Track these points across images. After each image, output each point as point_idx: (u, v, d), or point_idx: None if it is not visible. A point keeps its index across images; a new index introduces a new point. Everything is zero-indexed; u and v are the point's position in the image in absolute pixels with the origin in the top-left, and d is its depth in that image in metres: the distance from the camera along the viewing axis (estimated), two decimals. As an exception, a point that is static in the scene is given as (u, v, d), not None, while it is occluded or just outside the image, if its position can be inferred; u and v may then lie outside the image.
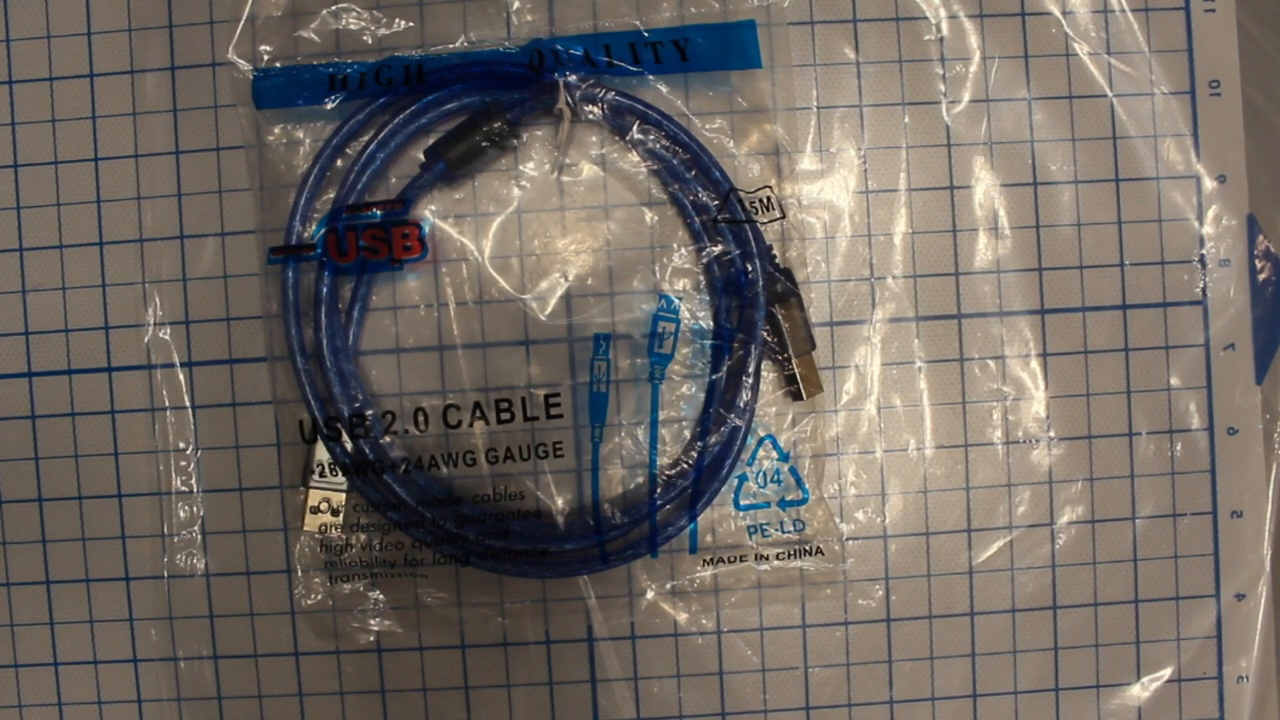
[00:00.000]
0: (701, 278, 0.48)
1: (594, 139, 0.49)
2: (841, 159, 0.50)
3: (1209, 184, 0.50)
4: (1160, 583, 0.50)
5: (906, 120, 0.50)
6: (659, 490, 0.48)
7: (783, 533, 0.48)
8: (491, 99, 0.47)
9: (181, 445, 0.49)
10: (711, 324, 0.48)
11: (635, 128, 0.47)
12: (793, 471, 0.49)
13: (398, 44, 0.48)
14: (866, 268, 0.50)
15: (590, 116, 0.47)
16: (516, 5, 0.49)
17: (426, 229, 0.48)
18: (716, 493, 0.48)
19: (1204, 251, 0.50)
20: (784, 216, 0.48)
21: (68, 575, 0.50)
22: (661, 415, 0.48)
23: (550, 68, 0.47)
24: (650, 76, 0.48)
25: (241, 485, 0.49)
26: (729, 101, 0.49)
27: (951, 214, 0.50)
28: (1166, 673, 0.51)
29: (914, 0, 0.50)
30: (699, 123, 0.48)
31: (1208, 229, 0.50)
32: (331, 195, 0.47)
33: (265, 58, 0.48)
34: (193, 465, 0.49)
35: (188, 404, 0.49)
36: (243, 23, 0.48)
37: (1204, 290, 0.50)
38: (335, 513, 0.48)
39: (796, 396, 0.48)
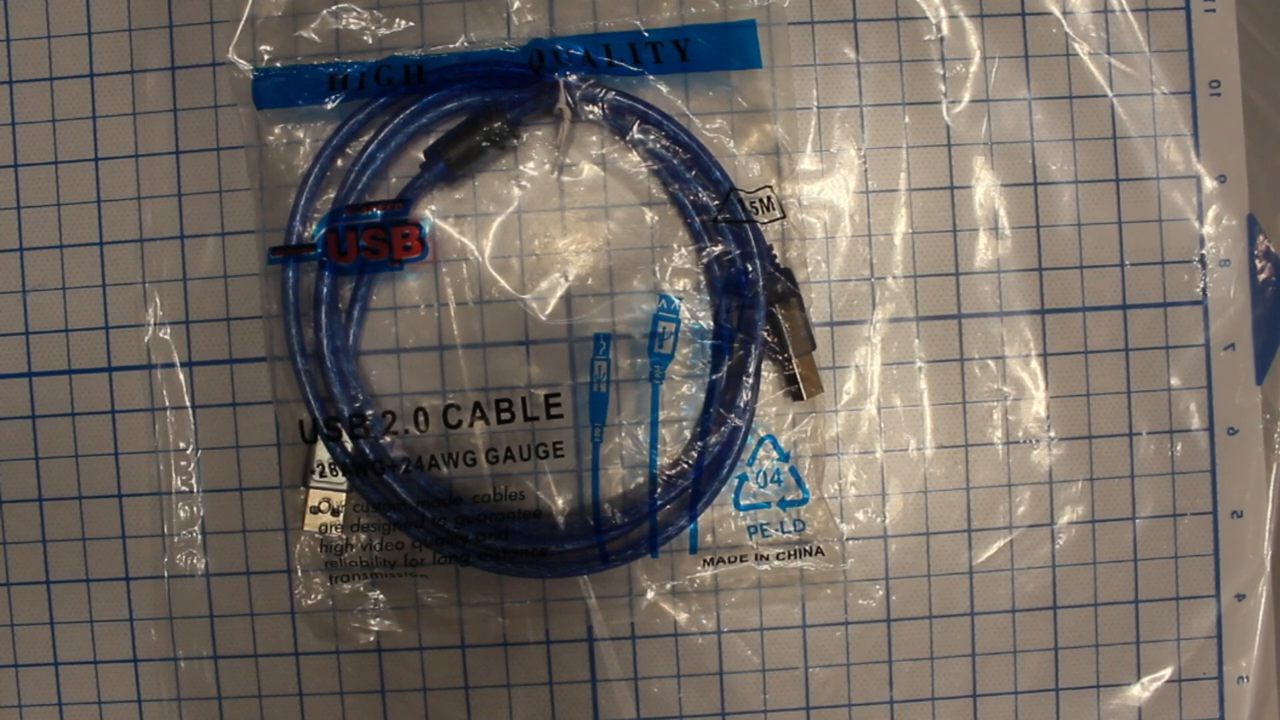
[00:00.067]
0: (701, 278, 0.49)
1: (594, 139, 0.49)
2: (841, 159, 0.50)
3: (1209, 184, 0.50)
4: (1160, 583, 0.50)
5: (906, 120, 0.50)
6: (659, 490, 0.48)
7: (783, 533, 0.48)
8: (491, 99, 0.47)
9: (181, 445, 0.49)
10: (711, 324, 0.48)
11: (635, 128, 0.47)
12: (793, 471, 0.49)
13: (398, 44, 0.48)
14: (866, 268, 0.50)
15: (590, 116, 0.47)
16: (516, 5, 0.49)
17: (426, 229, 0.48)
18: (716, 493, 0.48)
19: (1204, 251, 0.50)
20: (784, 216, 0.48)
21: (68, 575, 0.50)
22: (661, 415, 0.48)
23: (550, 68, 0.47)
24: (650, 76, 0.48)
25: (241, 485, 0.49)
26: (729, 101, 0.49)
27: (951, 214, 0.50)
28: (1166, 673, 0.51)
29: (914, 0, 0.50)
30: (699, 123, 0.48)
31: (1208, 229, 0.50)
32: (331, 195, 0.47)
33: (265, 58, 0.48)
34: (193, 465, 0.49)
35: (188, 404, 0.49)
36: (243, 23, 0.48)
37: (1204, 290, 0.50)
38: (335, 513, 0.48)
39: (796, 396, 0.48)
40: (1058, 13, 0.50)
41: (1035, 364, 0.50)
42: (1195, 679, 0.51)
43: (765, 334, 0.47)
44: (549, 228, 0.49)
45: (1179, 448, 0.50)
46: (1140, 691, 0.51)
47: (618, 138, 0.48)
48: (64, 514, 0.50)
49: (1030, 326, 0.50)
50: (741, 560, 0.49)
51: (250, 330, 0.49)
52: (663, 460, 0.48)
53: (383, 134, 0.47)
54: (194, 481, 0.49)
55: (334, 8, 0.48)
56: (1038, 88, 0.50)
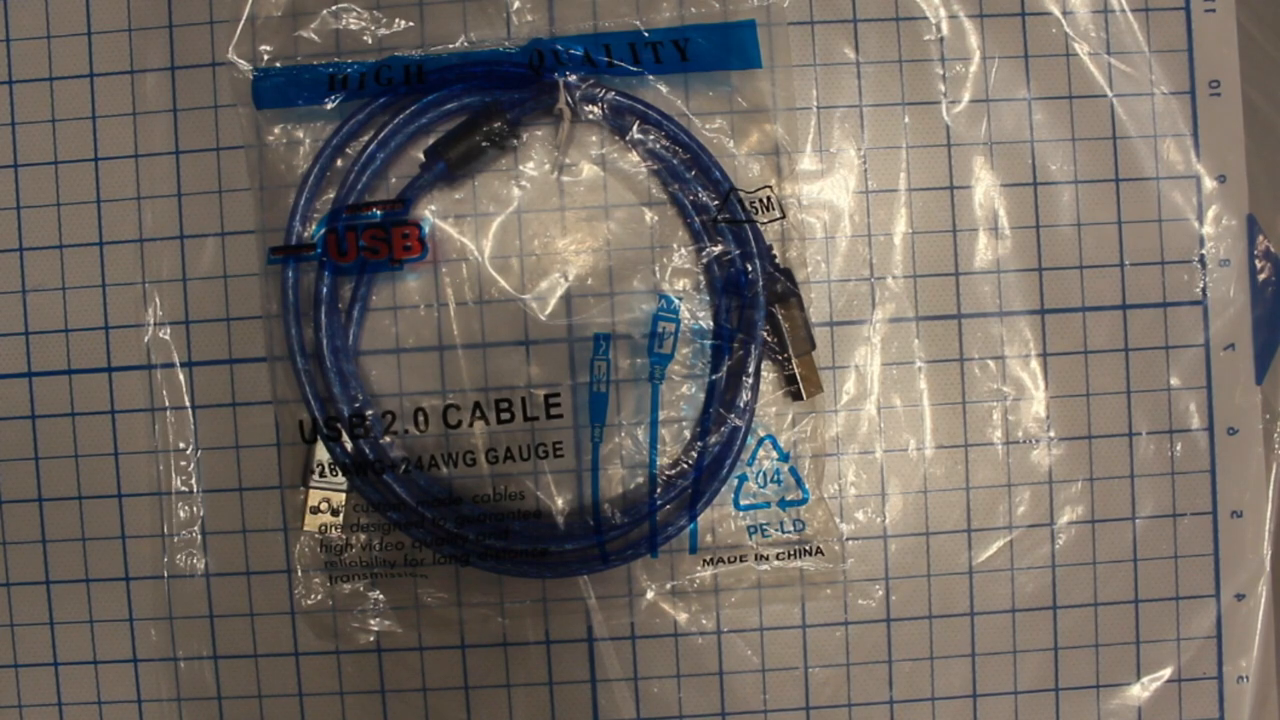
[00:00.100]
0: (701, 278, 0.48)
1: (594, 139, 0.49)
2: (841, 159, 0.50)
3: (1209, 184, 0.50)
4: (1160, 583, 0.50)
5: (906, 120, 0.50)
6: (659, 490, 0.48)
7: (783, 533, 0.48)
8: (491, 99, 0.47)
9: (181, 445, 0.49)
10: (711, 324, 0.48)
11: (635, 128, 0.47)
12: (793, 471, 0.49)
13: (398, 44, 0.48)
14: (866, 268, 0.50)
15: (590, 116, 0.47)
16: (516, 5, 0.49)
17: (426, 229, 0.48)
18: (716, 493, 0.48)
19: (1204, 251, 0.50)
20: (784, 216, 0.48)
21: (68, 575, 0.50)
22: (661, 415, 0.48)
23: (550, 68, 0.47)
24: (650, 76, 0.48)
25: (241, 485, 0.49)
26: (729, 101, 0.49)
27: (951, 214, 0.50)
28: (1166, 673, 0.51)
29: (914, 0, 0.50)
30: (699, 123, 0.48)
31: (1208, 229, 0.50)
32: (331, 195, 0.47)
33: (265, 58, 0.48)
34: (193, 465, 0.49)
35: (188, 404, 0.49)
36: (243, 23, 0.48)
37: (1204, 290, 0.50)
38: (335, 513, 0.48)
39: (796, 396, 0.48)
40: (1058, 13, 0.50)
41: (1035, 364, 0.50)
42: (1195, 679, 0.51)
43: (765, 334, 0.47)
44: (549, 228, 0.49)
45: (1179, 448, 0.50)
46: (1140, 691, 0.51)
47: (618, 138, 0.48)
48: (64, 514, 0.50)
49: (1030, 326, 0.50)
50: (741, 560, 0.49)
51: (250, 330, 0.49)
52: (662, 460, 0.48)
53: (383, 134, 0.47)
54: (194, 481, 0.49)
55: (334, 8, 0.48)
56: (1038, 88, 0.50)
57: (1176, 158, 0.50)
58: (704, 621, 0.50)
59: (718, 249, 0.47)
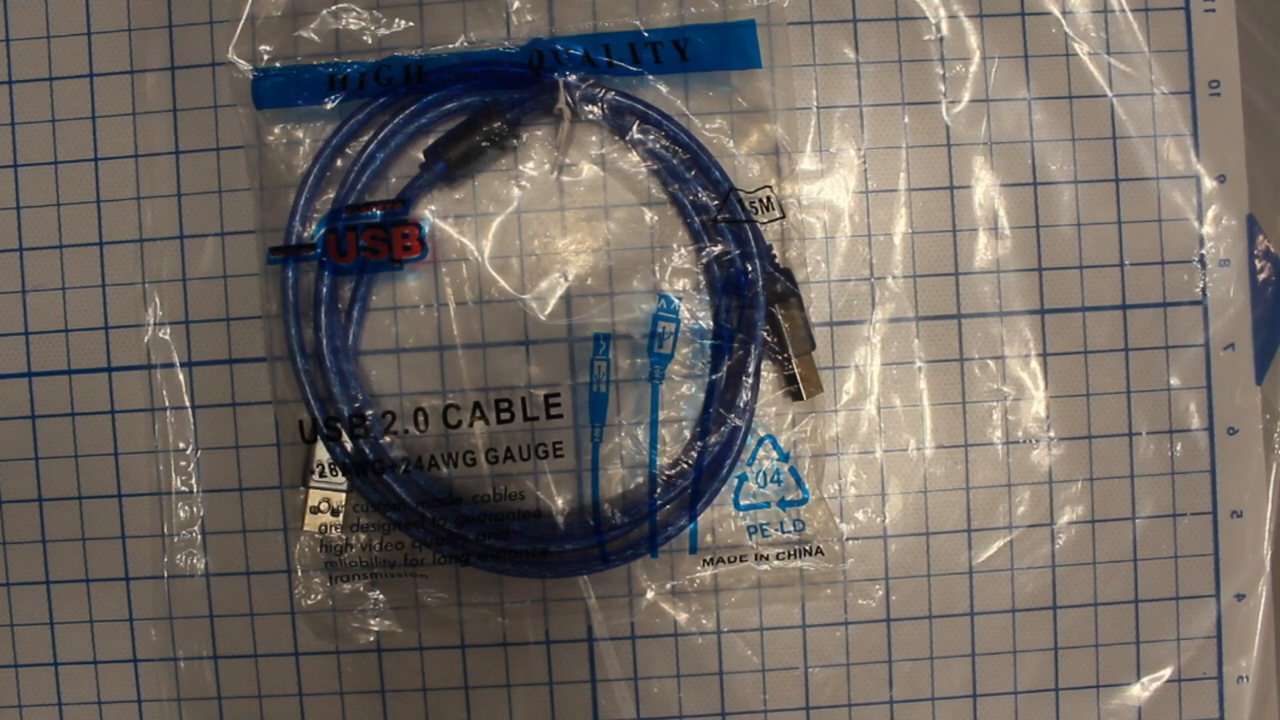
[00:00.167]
0: (701, 278, 0.48)
1: (594, 139, 0.49)
2: (841, 159, 0.50)
3: (1209, 184, 0.50)
4: (1160, 583, 0.50)
5: (906, 120, 0.50)
6: (659, 490, 0.48)
7: (783, 533, 0.48)
8: (491, 99, 0.47)
9: (181, 445, 0.49)
10: (711, 324, 0.48)
11: (635, 128, 0.47)
12: (793, 471, 0.49)
13: (398, 44, 0.48)
14: (866, 268, 0.50)
15: (590, 116, 0.47)
16: (516, 5, 0.49)
17: (426, 229, 0.48)
18: (716, 493, 0.48)
19: (1204, 251, 0.50)
20: (784, 216, 0.48)
21: (68, 575, 0.50)
22: (661, 415, 0.48)
23: (550, 68, 0.47)
24: (650, 76, 0.48)
25: (241, 485, 0.49)
26: (729, 101, 0.49)
27: (951, 214, 0.50)
28: (1166, 673, 0.51)
29: (914, 0, 0.50)
30: (699, 123, 0.48)
31: (1208, 229, 0.50)
32: (331, 195, 0.47)
33: (265, 58, 0.48)
34: (193, 465, 0.49)
35: (188, 404, 0.49)
36: (243, 23, 0.48)
37: (1204, 290, 0.50)
38: (335, 513, 0.48)
39: (796, 396, 0.48)
40: (1057, 13, 0.50)
41: (1035, 364, 0.50)
42: (1195, 679, 0.51)
43: (765, 334, 0.47)
44: (549, 228, 0.49)
45: (1179, 448, 0.50)
46: (1140, 691, 0.51)
47: (617, 138, 0.48)
48: (64, 514, 0.50)
49: (1030, 326, 0.50)
50: (741, 560, 0.49)
51: (250, 330, 0.49)
52: (662, 460, 0.48)
53: (383, 134, 0.47)
54: (194, 481, 0.49)
55: (334, 8, 0.48)
56: (1037, 88, 0.50)
57: (1176, 158, 0.50)
58: (704, 621, 0.50)
59: (718, 249, 0.47)
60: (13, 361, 0.50)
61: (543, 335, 0.49)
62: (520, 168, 0.49)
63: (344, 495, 0.48)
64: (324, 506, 0.47)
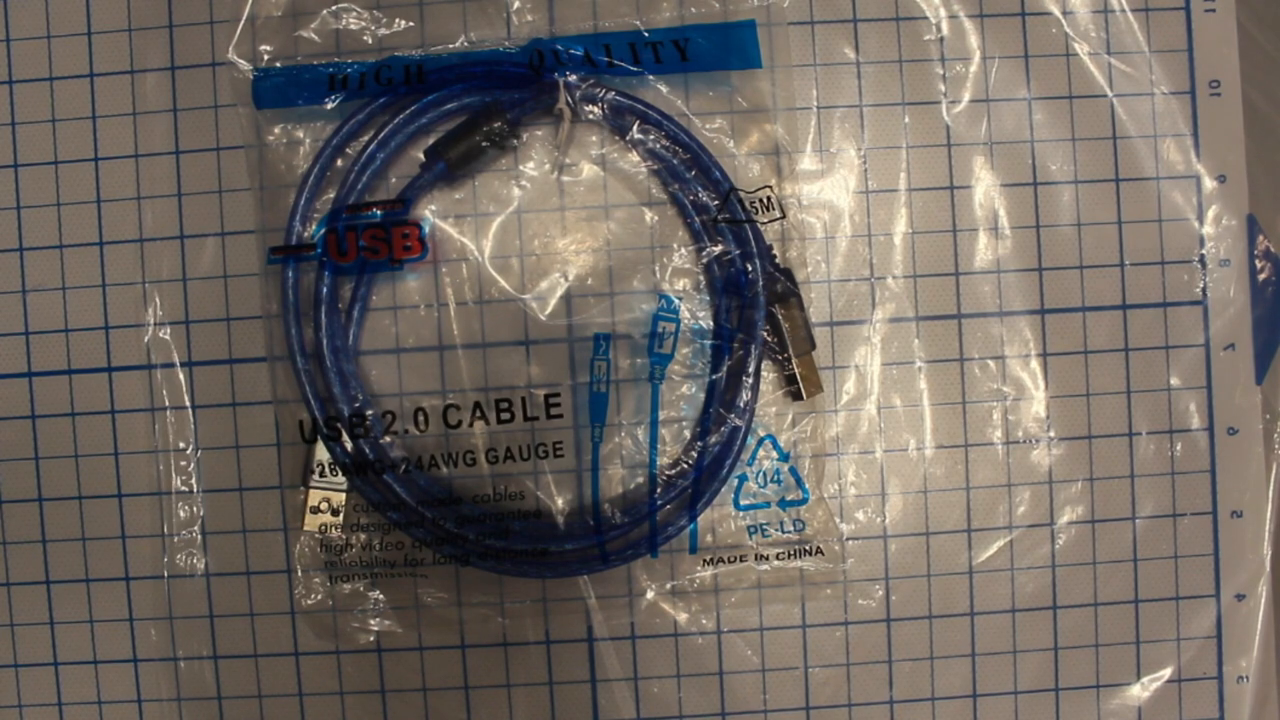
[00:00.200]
0: (701, 278, 0.49)
1: (594, 139, 0.49)
2: (841, 159, 0.50)
3: (1209, 184, 0.50)
4: (1160, 583, 0.50)
5: (906, 120, 0.50)
6: (659, 490, 0.48)
7: (783, 533, 0.48)
8: (491, 99, 0.47)
9: (181, 445, 0.49)
10: (711, 324, 0.48)
11: (635, 128, 0.47)
12: (793, 471, 0.49)
13: (398, 44, 0.48)
14: (866, 268, 0.50)
15: (590, 116, 0.47)
16: (516, 5, 0.49)
17: (426, 229, 0.48)
18: (716, 493, 0.48)
19: (1204, 251, 0.50)
20: (784, 216, 0.48)
21: (68, 575, 0.50)
22: (661, 415, 0.48)
23: (550, 68, 0.47)
24: (650, 76, 0.48)
25: (241, 485, 0.49)
26: (729, 101, 0.49)
27: (951, 214, 0.50)
28: (1166, 673, 0.51)
29: (914, 0, 0.50)
30: (699, 123, 0.48)
31: (1208, 229, 0.50)
32: (331, 195, 0.47)
33: (265, 58, 0.48)
34: (193, 465, 0.49)
35: (188, 404, 0.49)
36: (243, 23, 0.48)
37: (1204, 290, 0.50)
38: (335, 513, 0.48)
39: (796, 396, 0.48)
40: (1058, 13, 0.50)
41: (1035, 364, 0.50)
42: (1195, 679, 0.51)
43: (765, 334, 0.47)
44: (549, 228, 0.49)
45: (1179, 448, 0.50)
46: (1140, 691, 0.51)
47: (618, 138, 0.48)
48: (64, 514, 0.50)
49: (1030, 326, 0.50)
50: (741, 560, 0.49)
51: (250, 330, 0.49)
52: (663, 460, 0.48)
53: (383, 134, 0.47)
54: (194, 481, 0.49)
55: (334, 8, 0.48)
56: (1038, 88, 0.50)
57: (1176, 158, 0.50)
58: (704, 621, 0.50)
59: (718, 249, 0.47)
60: (13, 361, 0.50)
61: (543, 335, 0.49)
62: (520, 168, 0.49)
63: (344, 495, 0.48)
64: (324, 506, 0.47)
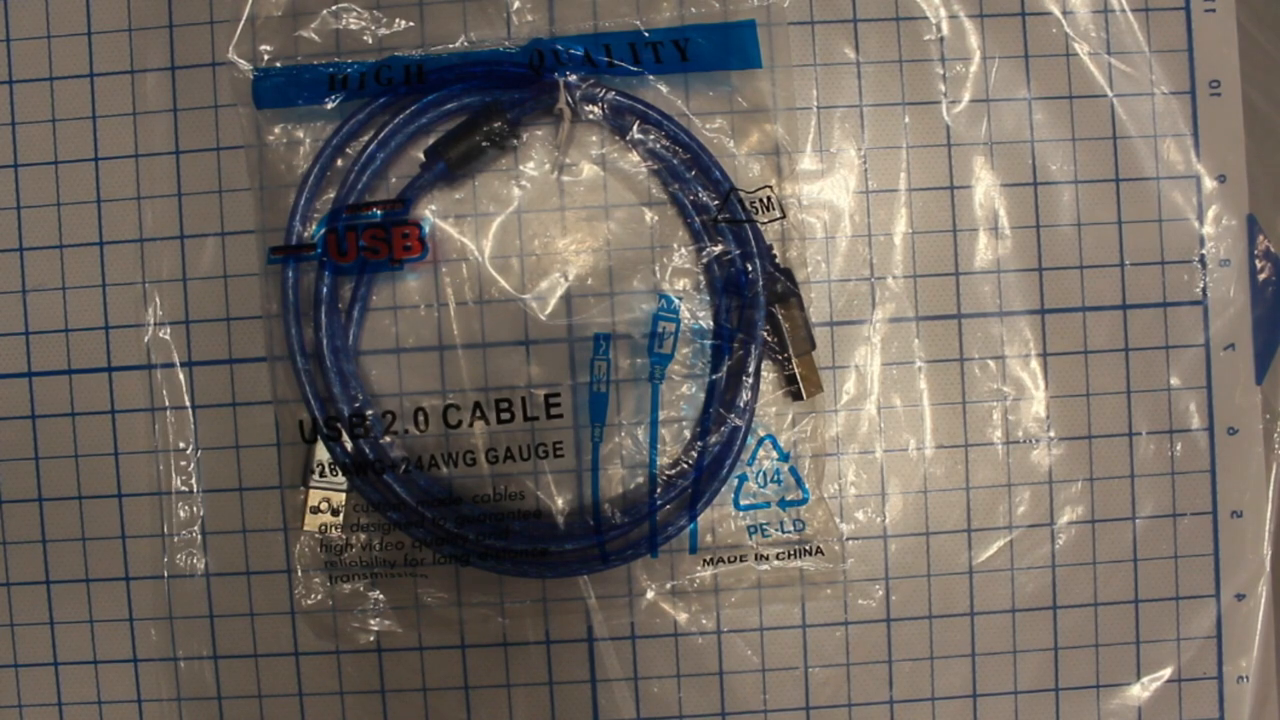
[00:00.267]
0: (701, 278, 0.49)
1: (594, 139, 0.49)
2: (841, 159, 0.50)
3: (1209, 184, 0.50)
4: (1160, 583, 0.50)
5: (906, 120, 0.50)
6: (659, 490, 0.48)
7: (783, 533, 0.48)
8: (491, 99, 0.47)
9: (181, 445, 0.49)
10: (711, 324, 0.48)
11: (635, 128, 0.47)
12: (793, 471, 0.49)
13: (398, 44, 0.48)
14: (866, 268, 0.50)
15: (590, 116, 0.47)
16: (516, 5, 0.49)
17: (426, 229, 0.48)
18: (716, 493, 0.48)
19: (1204, 251, 0.50)
20: (784, 216, 0.48)
21: (68, 575, 0.50)
22: (661, 415, 0.48)
23: (550, 68, 0.47)
24: (650, 76, 0.48)
25: (241, 485, 0.49)
26: (729, 101, 0.49)
27: (951, 214, 0.50)
28: (1166, 673, 0.51)
29: (914, 0, 0.50)
30: (699, 123, 0.48)
31: (1208, 229, 0.50)
32: (331, 195, 0.47)
33: (265, 58, 0.48)
34: (193, 465, 0.49)
35: (188, 404, 0.49)
36: (243, 23, 0.48)
37: (1204, 290, 0.50)
38: (335, 513, 0.48)
39: (796, 396, 0.48)
40: (1058, 13, 0.50)
41: (1035, 364, 0.50)
42: (1195, 679, 0.51)
43: (765, 334, 0.47)
44: (549, 228, 0.49)
45: (1179, 448, 0.50)
46: (1140, 691, 0.51)
47: (618, 138, 0.48)
48: (64, 514, 0.50)
49: (1030, 326, 0.50)
50: (741, 560, 0.49)
51: (250, 330, 0.49)
52: (663, 460, 0.48)
53: (383, 134, 0.47)
54: (194, 481, 0.49)
55: (334, 8, 0.48)
56: (1038, 88, 0.50)
57: (1176, 158, 0.50)
58: (704, 621, 0.50)
59: (718, 249, 0.47)
60: (13, 361, 0.50)
61: (543, 335, 0.49)
62: (520, 168, 0.49)
63: (344, 495, 0.48)
64: (324, 506, 0.48)
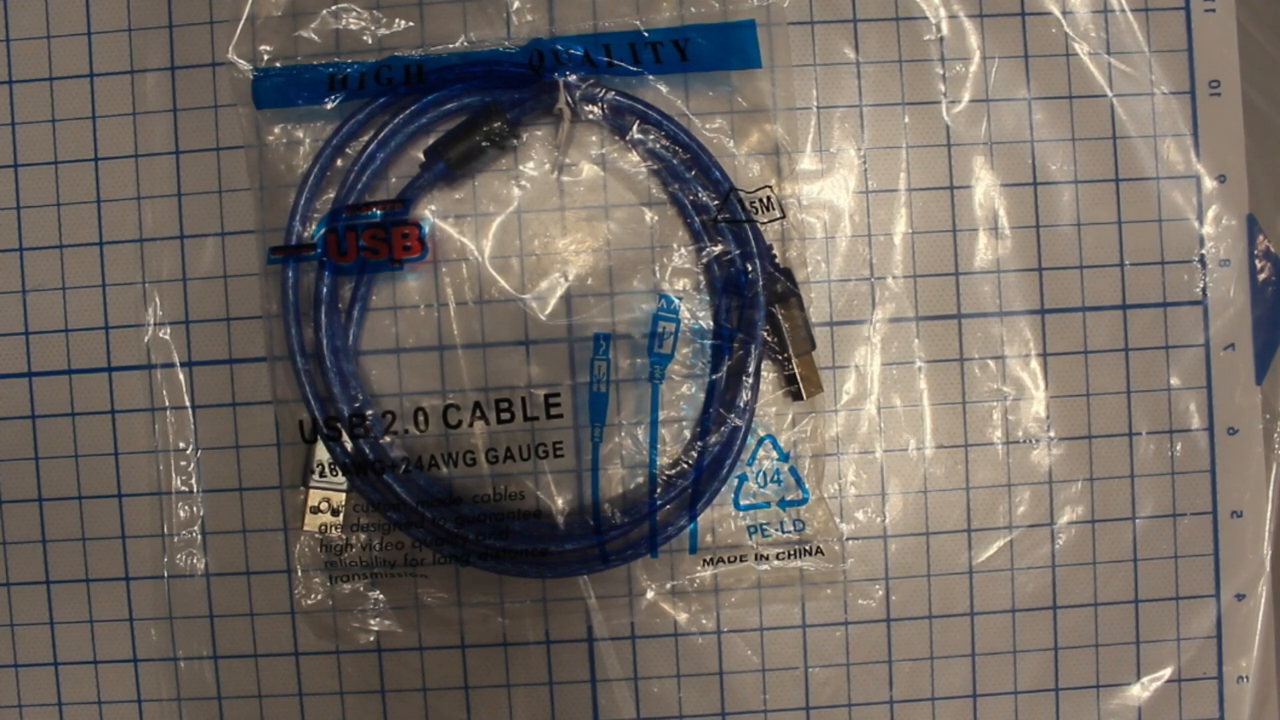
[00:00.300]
0: (701, 278, 0.49)
1: (594, 139, 0.49)
2: (841, 159, 0.50)
3: (1209, 184, 0.50)
4: (1160, 583, 0.50)
5: (906, 120, 0.50)
6: (659, 490, 0.48)
7: (783, 533, 0.48)
8: (491, 99, 0.47)
9: (181, 445, 0.49)
10: (711, 324, 0.48)
11: (635, 128, 0.47)
12: (793, 471, 0.49)
13: (398, 44, 0.48)
14: (866, 268, 0.50)
15: (590, 116, 0.47)
16: (516, 5, 0.49)
17: (426, 229, 0.48)
18: (716, 493, 0.48)
19: (1204, 251, 0.50)
20: (784, 216, 0.48)
21: (68, 575, 0.50)
22: (661, 415, 0.48)
23: (550, 68, 0.47)
24: (650, 76, 0.48)
25: (241, 485, 0.49)
26: (729, 101, 0.49)
27: (951, 214, 0.50)
28: (1166, 673, 0.51)
29: (914, 0, 0.50)
30: (699, 123, 0.48)
31: (1208, 229, 0.50)
32: (331, 195, 0.47)
33: (265, 58, 0.48)
34: (193, 465, 0.49)
35: (188, 404, 0.49)
36: (243, 23, 0.48)
37: (1204, 290, 0.50)
38: (335, 513, 0.48)
39: (796, 396, 0.48)
40: (1058, 13, 0.50)
41: (1035, 364, 0.50)
42: (1195, 679, 0.51)
43: (765, 334, 0.47)
44: (549, 228, 0.49)
45: (1179, 448, 0.50)
46: (1140, 691, 0.51)
47: (618, 138, 0.48)
48: (64, 514, 0.50)
49: (1030, 326, 0.50)
50: (741, 560, 0.49)
51: (250, 330, 0.49)
52: (663, 460, 0.48)
53: (383, 134, 0.47)
54: (194, 481, 0.49)
55: (334, 8, 0.48)
56: (1038, 88, 0.50)
57: (1176, 158, 0.50)
58: (704, 621, 0.50)
59: (718, 249, 0.47)
60: (13, 361, 0.50)
61: (543, 335, 0.49)
62: (520, 168, 0.49)
63: (344, 495, 0.48)
64: (324, 506, 0.48)
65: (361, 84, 0.47)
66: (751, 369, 0.47)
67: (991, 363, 0.50)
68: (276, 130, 0.48)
